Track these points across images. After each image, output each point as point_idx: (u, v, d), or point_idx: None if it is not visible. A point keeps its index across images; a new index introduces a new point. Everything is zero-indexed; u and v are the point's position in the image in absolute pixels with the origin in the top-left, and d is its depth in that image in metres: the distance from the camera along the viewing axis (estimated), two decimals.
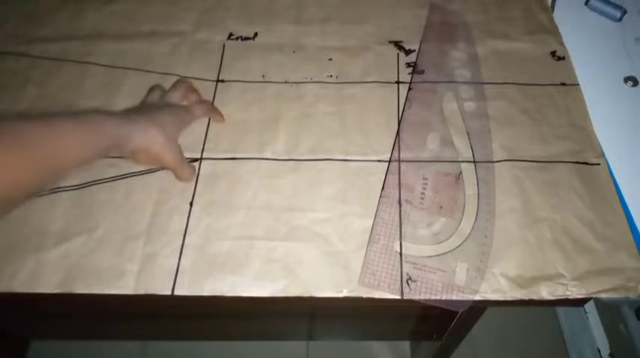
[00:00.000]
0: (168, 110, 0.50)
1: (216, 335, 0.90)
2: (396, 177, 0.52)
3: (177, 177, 0.51)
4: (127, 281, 0.45)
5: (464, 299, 0.45)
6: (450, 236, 0.48)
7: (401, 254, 0.47)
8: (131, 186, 0.51)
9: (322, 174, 0.52)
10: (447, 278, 0.45)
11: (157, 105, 0.52)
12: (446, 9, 0.67)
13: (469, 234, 0.48)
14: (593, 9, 0.67)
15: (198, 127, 0.55)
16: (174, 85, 0.55)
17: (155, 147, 0.46)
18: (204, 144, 0.54)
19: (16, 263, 0.46)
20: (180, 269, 0.46)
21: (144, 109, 0.50)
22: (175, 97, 0.53)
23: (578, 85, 0.59)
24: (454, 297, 0.45)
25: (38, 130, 0.36)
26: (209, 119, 0.56)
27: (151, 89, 0.55)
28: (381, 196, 0.50)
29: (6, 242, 0.47)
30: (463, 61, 0.61)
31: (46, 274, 0.46)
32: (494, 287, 0.45)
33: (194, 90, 0.56)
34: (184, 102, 0.54)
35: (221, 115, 0.56)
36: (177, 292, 0.45)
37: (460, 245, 0.47)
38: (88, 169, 0.52)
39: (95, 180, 0.51)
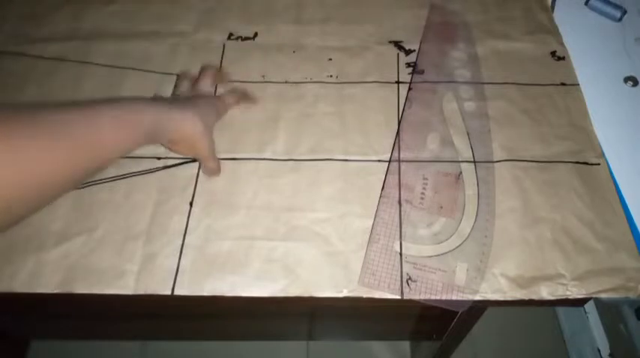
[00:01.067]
0: (204, 100, 0.50)
1: (216, 335, 0.90)
2: (396, 177, 0.52)
3: (206, 168, 0.51)
4: (127, 281, 0.45)
5: (464, 299, 0.45)
6: (450, 236, 0.48)
7: (401, 254, 0.47)
8: (131, 186, 0.51)
9: (322, 174, 0.52)
10: (447, 278, 0.45)
11: (192, 96, 0.52)
12: (446, 9, 0.67)
13: (469, 234, 0.48)
14: (593, 9, 0.67)
15: None
16: (203, 73, 0.54)
17: (195, 136, 0.47)
18: None
19: (16, 263, 0.46)
20: (180, 270, 0.46)
21: (180, 99, 0.50)
22: (206, 86, 0.53)
23: (578, 85, 0.59)
24: (454, 297, 0.45)
25: (77, 118, 0.36)
26: None
27: (179, 79, 0.55)
28: (381, 196, 0.50)
29: (6, 242, 0.47)
30: (463, 61, 0.61)
31: (46, 274, 0.46)
32: (494, 287, 0.45)
33: (222, 74, 0.56)
34: (213, 90, 0.54)
35: (252, 99, 0.56)
36: (177, 292, 0.45)
37: (460, 245, 0.47)
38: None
39: (95, 180, 0.51)
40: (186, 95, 0.53)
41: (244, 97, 0.56)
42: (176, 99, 0.51)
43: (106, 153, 0.38)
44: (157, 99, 0.48)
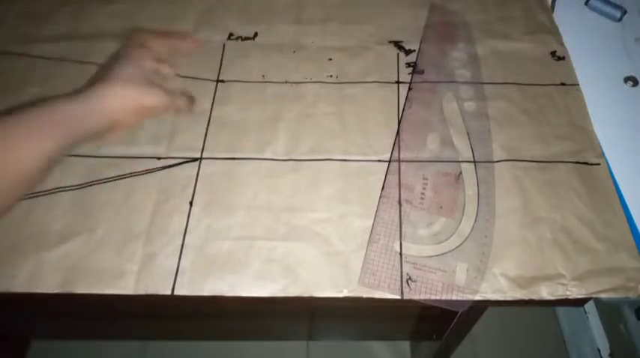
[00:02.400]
0: (118, 57, 0.44)
1: (216, 335, 0.90)
2: (396, 177, 0.52)
3: (177, 111, 0.47)
4: (127, 281, 0.45)
5: (464, 299, 0.45)
6: (450, 236, 0.48)
7: (401, 254, 0.47)
8: (131, 186, 0.51)
9: (322, 174, 0.52)
10: (447, 278, 0.45)
11: (109, 63, 0.45)
12: (446, 9, 0.67)
13: (469, 234, 0.48)
14: (593, 9, 0.67)
15: (198, 127, 0.55)
16: (129, 38, 0.48)
17: (130, 102, 0.42)
18: (204, 144, 0.54)
19: (16, 263, 0.46)
20: (180, 269, 0.46)
21: (95, 75, 0.44)
22: (128, 46, 0.46)
23: (578, 85, 0.59)
24: (454, 297, 0.45)
25: None
26: (209, 119, 0.56)
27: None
28: (381, 196, 0.50)
29: (6, 242, 0.47)
30: (463, 61, 0.61)
31: (46, 274, 0.46)
32: (495, 287, 0.45)
33: (161, 36, 0.48)
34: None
35: (190, 104, 0.49)
36: (177, 292, 0.45)
37: (460, 245, 0.47)
38: (88, 169, 0.52)
39: (95, 180, 0.51)
40: (104, 66, 0.45)
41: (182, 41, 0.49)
42: (91, 81, 0.43)
43: (27, 168, 0.36)
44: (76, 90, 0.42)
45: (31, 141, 0.36)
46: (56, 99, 0.39)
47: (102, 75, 0.43)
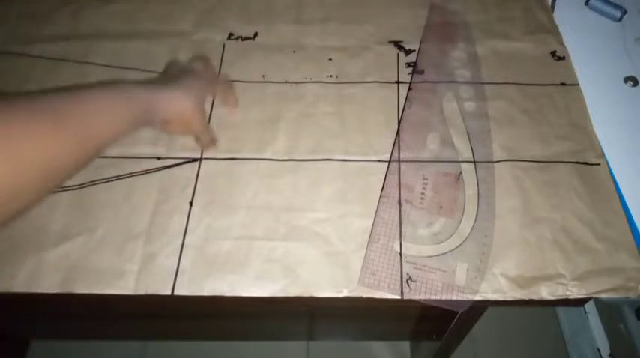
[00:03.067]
0: (193, 75, 0.50)
1: (216, 335, 0.90)
2: (396, 177, 0.52)
3: (201, 143, 0.52)
4: (127, 282, 0.45)
5: (464, 299, 0.45)
6: (450, 236, 0.48)
7: (401, 254, 0.47)
8: (131, 186, 0.51)
9: (322, 174, 0.52)
10: (447, 278, 0.45)
11: (181, 72, 0.51)
12: (446, 9, 0.67)
13: (469, 234, 0.48)
14: (593, 9, 0.67)
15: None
16: (195, 58, 0.55)
17: (186, 113, 0.47)
18: None
19: (16, 263, 0.46)
20: (180, 269, 0.46)
21: (168, 77, 0.50)
22: (198, 66, 0.53)
23: (578, 85, 0.59)
24: (454, 297, 0.45)
25: (70, 105, 0.36)
26: (209, 119, 0.56)
27: (171, 63, 0.55)
28: (381, 196, 0.50)
29: (6, 242, 0.47)
30: (463, 61, 0.61)
31: (46, 274, 0.46)
32: (494, 287, 0.45)
33: (212, 67, 0.57)
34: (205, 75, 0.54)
35: (235, 101, 0.57)
36: (177, 292, 0.45)
37: (460, 245, 0.47)
38: (88, 169, 0.52)
39: (95, 180, 0.51)
40: (175, 72, 0.51)
41: (230, 94, 0.57)
42: (165, 79, 0.50)
43: (101, 138, 0.38)
44: (148, 80, 0.48)
45: (108, 115, 0.39)
46: (131, 83, 0.43)
47: (174, 80, 0.48)
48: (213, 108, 0.57)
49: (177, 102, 0.46)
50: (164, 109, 0.45)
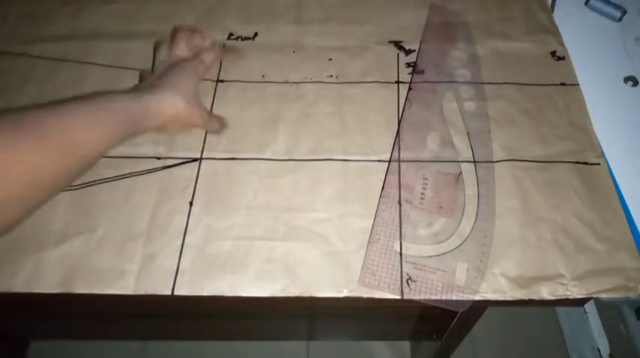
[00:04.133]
0: (178, 68, 0.49)
1: (216, 335, 0.90)
2: (396, 177, 0.52)
3: (209, 131, 0.51)
4: (127, 281, 0.45)
5: (464, 299, 0.45)
6: (450, 236, 0.48)
7: (401, 254, 0.47)
8: (131, 186, 0.51)
9: (322, 174, 0.52)
10: (447, 278, 0.45)
11: (166, 67, 0.50)
12: (446, 9, 0.67)
13: (469, 234, 0.48)
14: (593, 9, 0.67)
15: None
16: (174, 38, 0.53)
17: (181, 113, 0.46)
18: (204, 144, 0.54)
19: (16, 263, 0.46)
20: (180, 269, 0.46)
21: (157, 77, 0.48)
22: (180, 49, 0.52)
23: (578, 85, 0.59)
24: (454, 297, 0.45)
25: (50, 118, 0.36)
26: None
27: (155, 49, 0.53)
28: (381, 196, 0.50)
29: (6, 242, 0.47)
30: (463, 61, 0.61)
31: (46, 274, 0.46)
32: (494, 287, 0.45)
33: (195, 34, 0.53)
34: (191, 53, 0.52)
35: (236, 52, 0.56)
36: (177, 292, 0.45)
37: (460, 245, 0.47)
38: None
39: (95, 180, 0.51)
40: (161, 68, 0.50)
41: (225, 53, 0.55)
42: (153, 80, 0.48)
43: (89, 150, 0.38)
44: (136, 86, 0.47)
45: (93, 127, 0.38)
46: (114, 93, 0.42)
47: (160, 80, 0.47)
48: (213, 108, 0.57)
49: (167, 105, 0.45)
50: (156, 116, 0.44)
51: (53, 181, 0.35)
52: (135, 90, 0.44)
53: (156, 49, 0.54)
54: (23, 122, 0.33)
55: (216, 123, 0.51)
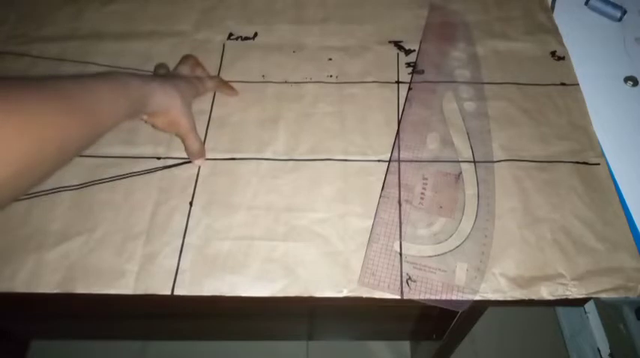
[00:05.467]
0: (183, 78, 0.52)
1: (216, 335, 0.90)
2: (396, 177, 0.52)
3: (187, 147, 0.51)
4: (127, 281, 0.45)
5: (464, 299, 0.45)
6: (450, 236, 0.48)
7: (401, 254, 0.47)
8: (131, 186, 0.51)
9: (322, 174, 0.52)
10: (447, 278, 0.45)
11: (171, 74, 0.54)
12: (446, 9, 0.67)
13: (469, 234, 0.48)
14: (593, 9, 0.67)
15: (198, 127, 0.55)
16: (182, 60, 0.56)
17: (174, 110, 0.48)
18: (204, 145, 0.54)
19: (16, 263, 0.46)
20: (180, 269, 0.46)
21: (161, 76, 0.52)
22: (184, 70, 0.55)
23: (578, 85, 0.59)
24: (454, 297, 0.45)
25: (77, 90, 0.37)
26: (209, 118, 0.56)
27: (157, 67, 0.56)
28: (381, 196, 0.50)
29: (6, 242, 0.47)
30: (463, 61, 0.61)
31: (46, 274, 0.46)
32: (494, 287, 0.45)
33: (200, 65, 0.57)
34: (192, 75, 0.55)
35: (232, 88, 0.58)
36: (177, 292, 0.45)
37: (460, 245, 0.47)
38: (88, 169, 0.52)
39: (95, 180, 0.51)
40: (163, 72, 0.55)
41: (222, 85, 0.57)
42: (158, 76, 0.53)
43: (103, 124, 0.39)
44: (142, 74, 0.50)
45: (110, 102, 0.40)
46: (129, 74, 0.44)
47: (168, 77, 0.51)
48: (213, 108, 0.57)
49: (166, 96, 0.47)
50: (153, 101, 0.46)
51: (73, 149, 0.36)
52: (146, 77, 0.47)
53: (157, 68, 0.56)
54: (48, 92, 0.34)
55: (196, 143, 0.51)
